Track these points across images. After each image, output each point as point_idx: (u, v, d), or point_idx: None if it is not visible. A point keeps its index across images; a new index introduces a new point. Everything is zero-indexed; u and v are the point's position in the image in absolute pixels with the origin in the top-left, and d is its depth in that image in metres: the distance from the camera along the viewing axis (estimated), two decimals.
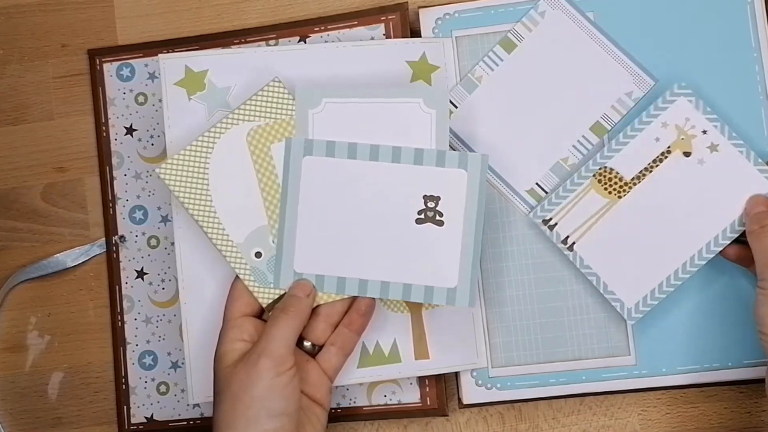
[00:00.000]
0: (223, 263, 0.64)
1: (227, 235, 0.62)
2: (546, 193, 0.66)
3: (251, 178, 0.63)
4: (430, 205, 0.61)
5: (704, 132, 0.63)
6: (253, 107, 0.63)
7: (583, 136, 0.66)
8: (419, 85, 0.66)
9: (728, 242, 0.63)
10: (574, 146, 0.66)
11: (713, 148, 0.62)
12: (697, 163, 0.63)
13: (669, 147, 0.63)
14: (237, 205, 0.63)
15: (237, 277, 0.63)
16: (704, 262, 0.63)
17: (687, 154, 0.63)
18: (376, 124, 0.62)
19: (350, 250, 0.62)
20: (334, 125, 0.62)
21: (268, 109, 0.63)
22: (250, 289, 0.62)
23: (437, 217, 0.61)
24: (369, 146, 0.61)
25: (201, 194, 0.62)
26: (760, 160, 0.63)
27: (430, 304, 0.63)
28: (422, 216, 0.62)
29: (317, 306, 0.62)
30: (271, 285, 0.62)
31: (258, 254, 0.62)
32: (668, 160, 0.63)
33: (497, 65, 0.66)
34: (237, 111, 0.63)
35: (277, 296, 0.62)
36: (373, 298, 0.63)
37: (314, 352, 0.63)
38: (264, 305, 0.62)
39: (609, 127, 0.66)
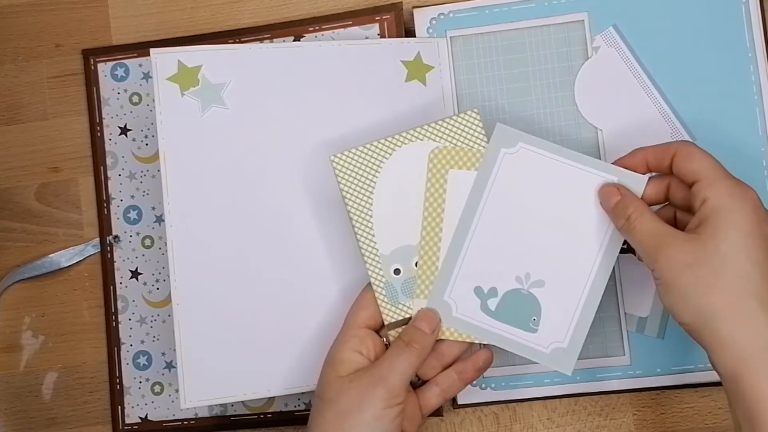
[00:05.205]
0: (217, 263, 0.64)
1: (375, 243, 0.61)
2: None
3: (417, 195, 0.62)
4: None
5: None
6: (444, 129, 0.61)
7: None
8: (616, 166, 0.60)
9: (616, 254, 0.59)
10: None
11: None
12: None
13: None
14: (394, 217, 0.61)
15: (368, 285, 0.62)
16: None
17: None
18: (561, 185, 0.60)
19: None
20: (520, 171, 0.60)
21: (457, 136, 0.61)
22: (378, 302, 0.61)
23: None
24: None
25: (364, 195, 0.61)
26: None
27: None
28: None
29: (436, 341, 0.61)
30: (401, 305, 0.61)
31: (397, 271, 0.61)
32: None
33: None
34: (427, 127, 0.61)
35: (400, 318, 0.61)
36: (492, 354, 0.62)
37: (416, 383, 0.62)
38: (386, 322, 0.61)
39: None
